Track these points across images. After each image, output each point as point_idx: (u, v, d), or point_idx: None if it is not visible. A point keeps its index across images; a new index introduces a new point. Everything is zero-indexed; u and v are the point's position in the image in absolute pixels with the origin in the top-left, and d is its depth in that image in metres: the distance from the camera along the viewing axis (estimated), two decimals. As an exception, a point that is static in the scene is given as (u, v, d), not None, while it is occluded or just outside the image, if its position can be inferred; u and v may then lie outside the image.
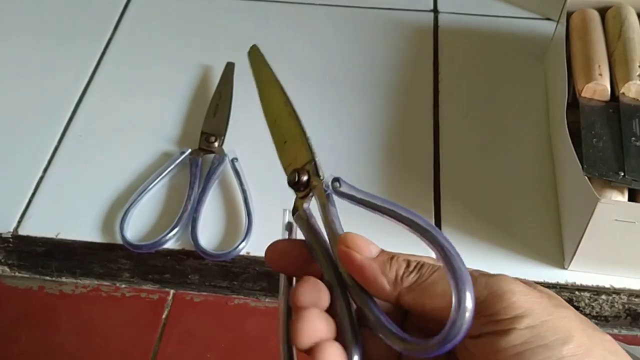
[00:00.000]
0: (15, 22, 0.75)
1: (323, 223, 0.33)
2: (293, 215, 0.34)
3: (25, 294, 0.57)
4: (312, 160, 0.34)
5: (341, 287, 0.31)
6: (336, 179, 0.33)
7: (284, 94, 0.39)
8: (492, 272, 0.30)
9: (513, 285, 0.28)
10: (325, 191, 0.33)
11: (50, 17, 0.75)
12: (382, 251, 0.31)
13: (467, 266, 0.29)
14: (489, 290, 0.28)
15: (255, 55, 0.44)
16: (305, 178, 0.34)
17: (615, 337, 0.50)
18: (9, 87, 0.68)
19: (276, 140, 0.38)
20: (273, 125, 0.38)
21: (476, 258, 0.54)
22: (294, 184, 0.34)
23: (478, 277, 0.29)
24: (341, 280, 0.31)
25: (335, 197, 0.33)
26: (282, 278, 0.34)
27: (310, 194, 0.34)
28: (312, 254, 0.33)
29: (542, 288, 0.30)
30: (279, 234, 0.36)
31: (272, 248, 0.33)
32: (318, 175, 0.34)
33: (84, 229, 0.56)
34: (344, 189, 0.32)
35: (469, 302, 0.26)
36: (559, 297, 0.30)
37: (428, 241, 0.28)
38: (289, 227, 0.36)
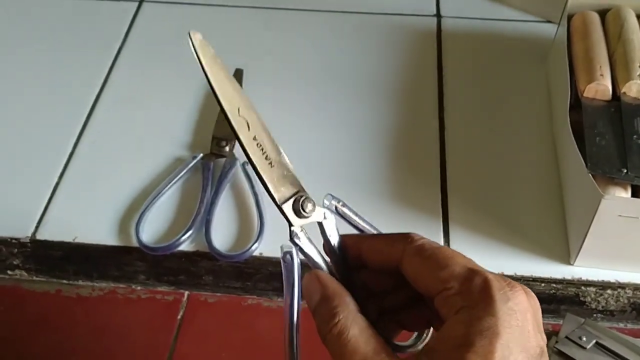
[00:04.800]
0: (29, 33, 0.77)
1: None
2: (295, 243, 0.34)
3: (43, 298, 0.58)
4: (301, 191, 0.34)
5: None
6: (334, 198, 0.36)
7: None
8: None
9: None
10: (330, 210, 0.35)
11: (62, 26, 0.77)
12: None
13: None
14: None
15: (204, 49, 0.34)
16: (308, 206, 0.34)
17: (621, 331, 0.51)
18: (23, 96, 0.70)
19: (258, 160, 0.33)
20: (251, 143, 0.33)
21: (484, 256, 0.55)
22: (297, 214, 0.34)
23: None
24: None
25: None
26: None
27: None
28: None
29: None
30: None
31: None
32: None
33: (100, 232, 0.57)
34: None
35: None
36: None
37: None
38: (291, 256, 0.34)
